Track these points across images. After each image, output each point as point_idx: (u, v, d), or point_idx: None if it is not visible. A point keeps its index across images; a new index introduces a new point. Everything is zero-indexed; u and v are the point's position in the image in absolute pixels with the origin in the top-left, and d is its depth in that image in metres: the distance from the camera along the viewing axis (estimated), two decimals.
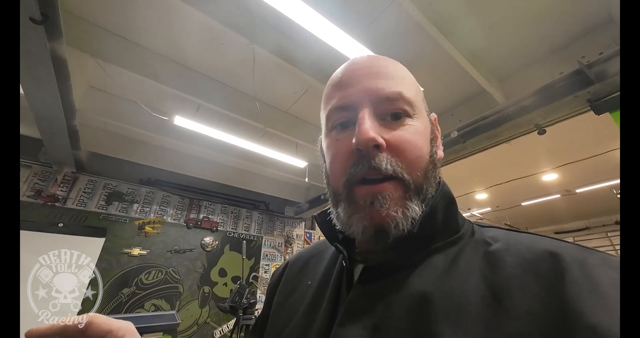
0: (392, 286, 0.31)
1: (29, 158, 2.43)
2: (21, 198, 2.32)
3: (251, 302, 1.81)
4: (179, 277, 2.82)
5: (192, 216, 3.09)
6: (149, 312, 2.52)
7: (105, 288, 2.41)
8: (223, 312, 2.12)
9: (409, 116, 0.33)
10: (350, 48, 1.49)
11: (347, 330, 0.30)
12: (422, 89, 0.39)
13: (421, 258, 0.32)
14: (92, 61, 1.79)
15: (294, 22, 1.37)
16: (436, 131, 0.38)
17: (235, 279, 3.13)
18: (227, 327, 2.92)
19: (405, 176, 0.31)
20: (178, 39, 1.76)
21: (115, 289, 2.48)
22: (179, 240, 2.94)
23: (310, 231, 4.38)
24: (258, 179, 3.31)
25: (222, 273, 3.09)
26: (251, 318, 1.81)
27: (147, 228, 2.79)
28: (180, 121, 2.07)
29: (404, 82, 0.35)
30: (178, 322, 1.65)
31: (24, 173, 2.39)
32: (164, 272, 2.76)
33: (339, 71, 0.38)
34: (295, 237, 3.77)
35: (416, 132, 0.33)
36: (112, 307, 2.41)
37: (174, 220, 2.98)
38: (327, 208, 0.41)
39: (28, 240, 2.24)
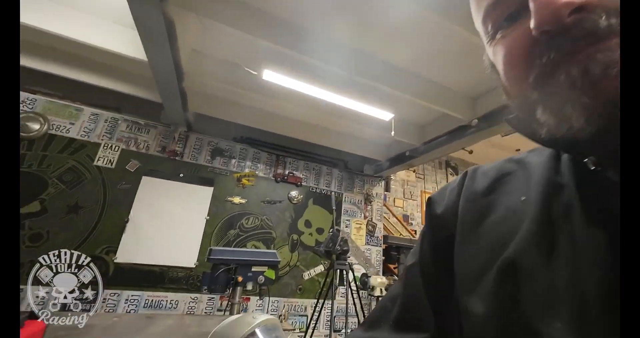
0: None
1: (154, 120, 2.92)
2: (152, 153, 2.86)
3: (344, 249, 1.90)
4: (271, 224, 3.17)
5: (279, 171, 3.35)
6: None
7: (218, 227, 2.90)
8: (318, 256, 2.32)
9: None
10: None
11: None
12: None
13: None
14: (192, 20, 1.92)
15: None
16: None
17: (319, 230, 3.35)
18: (314, 271, 3.22)
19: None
20: None
21: (225, 230, 2.95)
22: (269, 192, 3.25)
23: (386, 193, 4.30)
24: (339, 137, 3.30)
25: (307, 224, 3.34)
26: (344, 264, 1.92)
27: (244, 181, 3.15)
28: (269, 74, 2.13)
29: None
30: (279, 260, 1.86)
31: (152, 133, 2.91)
32: (259, 219, 3.13)
33: None
34: (375, 195, 3.75)
35: None
36: (223, 244, 2.90)
37: (264, 174, 3.28)
38: (512, 115, 0.32)
39: (160, 185, 2.80)
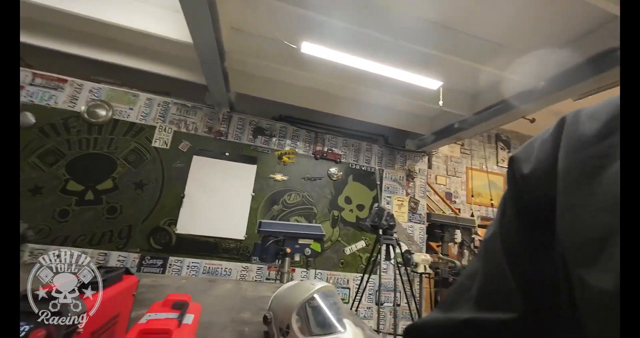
0: None
1: (199, 102, 3.08)
2: (200, 134, 3.04)
3: (390, 223, 1.88)
4: (312, 201, 3.24)
5: (318, 148, 3.35)
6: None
7: (263, 203, 3.06)
8: (364, 230, 2.34)
9: None
10: None
11: None
12: None
13: None
14: None
15: None
16: None
17: (359, 207, 3.35)
18: (355, 246, 3.26)
19: None
20: None
21: (269, 205, 3.09)
22: (309, 169, 3.30)
23: (427, 169, 4.09)
24: (379, 110, 3.17)
25: (348, 200, 3.35)
26: (391, 239, 1.91)
27: (284, 158, 3.22)
28: (307, 47, 2.07)
29: None
30: (324, 234, 1.91)
31: (199, 114, 3.07)
32: (300, 196, 3.22)
33: None
34: (417, 172, 3.60)
35: None
36: (268, 218, 3.06)
37: (304, 151, 3.32)
38: None
39: (209, 164, 2.99)
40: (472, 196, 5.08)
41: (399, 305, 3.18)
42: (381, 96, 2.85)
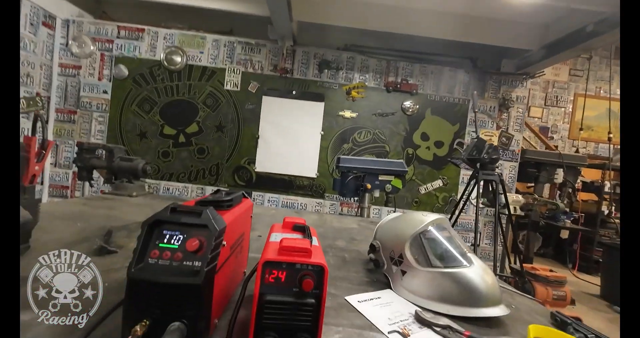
0: None
1: (262, 38, 2.92)
2: (266, 73, 2.97)
3: (493, 157, 1.61)
4: (384, 138, 3.05)
5: (390, 79, 2.98)
6: None
7: (332, 141, 3.01)
8: (455, 166, 2.12)
9: None
10: None
11: None
12: None
13: None
14: None
15: None
16: None
17: (438, 144, 3.04)
18: (431, 185, 3.08)
19: None
20: None
21: (339, 143, 3.04)
22: (381, 104, 3.02)
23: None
24: (467, 23, 2.52)
25: (424, 137, 3.05)
26: (493, 175, 1.66)
27: (353, 93, 2.98)
28: None
29: None
30: (406, 169, 1.76)
31: (263, 52, 2.95)
32: (371, 133, 3.05)
33: None
34: (515, 99, 2.96)
35: None
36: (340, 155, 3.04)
37: (374, 84, 3.00)
38: None
39: (277, 104, 2.98)
40: (581, 129, 4.13)
41: (477, 245, 3.04)
42: (473, 1, 2.21)
